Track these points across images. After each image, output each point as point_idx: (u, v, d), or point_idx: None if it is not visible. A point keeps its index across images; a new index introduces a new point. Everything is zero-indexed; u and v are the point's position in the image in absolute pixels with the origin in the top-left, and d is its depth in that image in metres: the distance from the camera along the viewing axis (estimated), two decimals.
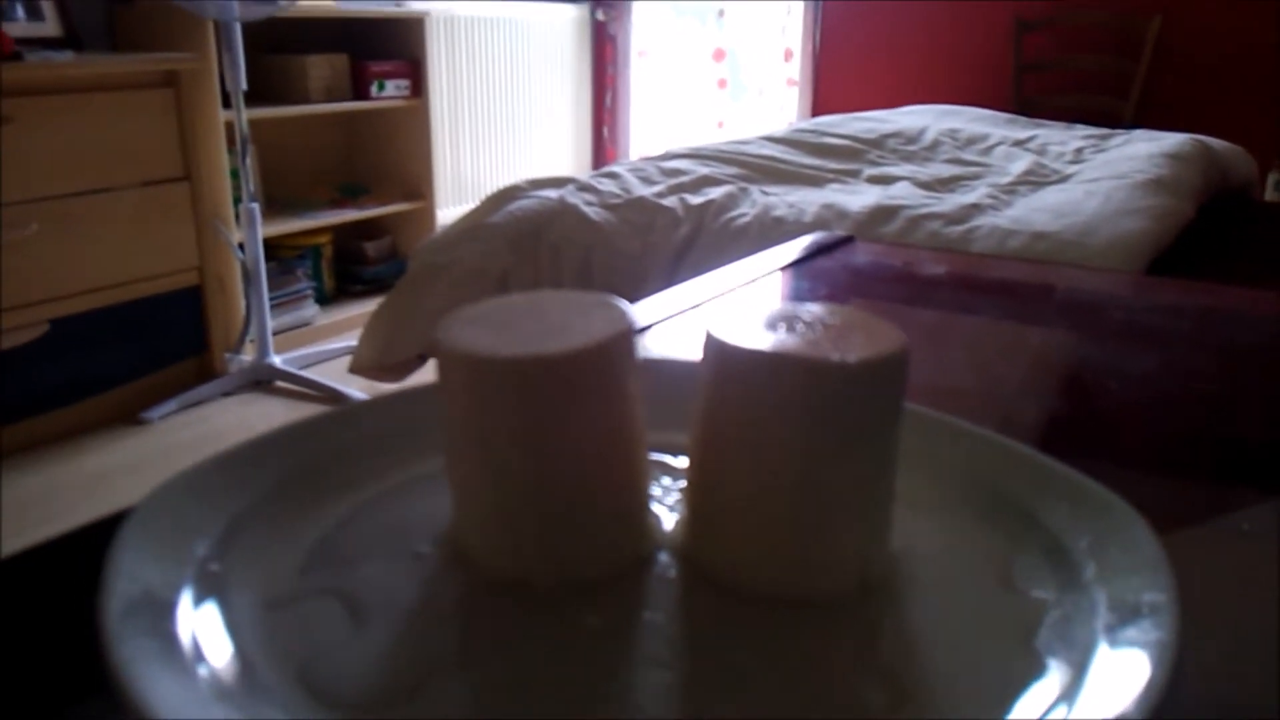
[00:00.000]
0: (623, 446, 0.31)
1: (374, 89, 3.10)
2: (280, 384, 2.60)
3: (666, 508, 0.35)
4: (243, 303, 2.64)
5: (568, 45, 4.08)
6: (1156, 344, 0.68)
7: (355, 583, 0.30)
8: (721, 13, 4.13)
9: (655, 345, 0.60)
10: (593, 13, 4.18)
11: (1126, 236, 1.59)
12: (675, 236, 1.73)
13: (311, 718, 0.24)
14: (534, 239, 1.75)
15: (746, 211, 1.75)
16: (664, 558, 0.32)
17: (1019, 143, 2.43)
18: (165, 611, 0.26)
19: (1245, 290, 0.80)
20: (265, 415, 2.47)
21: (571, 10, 4.08)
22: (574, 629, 0.28)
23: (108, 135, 2.29)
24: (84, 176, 2.26)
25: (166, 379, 2.51)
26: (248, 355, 2.63)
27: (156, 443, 2.30)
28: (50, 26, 2.44)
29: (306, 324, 2.96)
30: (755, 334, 0.30)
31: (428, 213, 3.32)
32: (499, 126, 3.82)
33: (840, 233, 0.93)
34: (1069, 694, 0.25)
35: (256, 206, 2.53)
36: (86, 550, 0.35)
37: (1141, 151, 2.17)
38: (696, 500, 0.32)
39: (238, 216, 2.57)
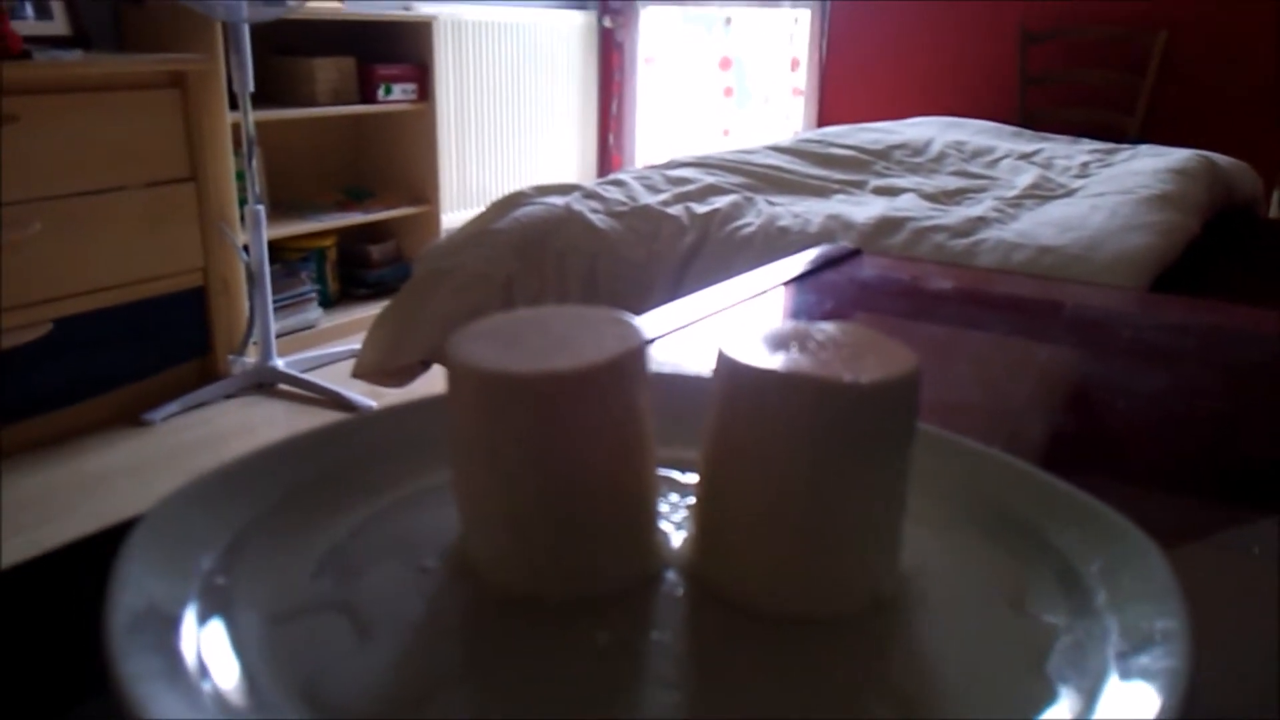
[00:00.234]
0: (632, 464, 0.31)
1: (381, 92, 3.10)
2: (283, 387, 2.60)
3: (674, 525, 0.34)
4: (246, 305, 2.64)
5: (574, 51, 4.09)
6: (1163, 362, 0.68)
7: (361, 596, 0.30)
8: (729, 21, 4.13)
9: (663, 358, 0.60)
10: (600, 19, 4.18)
11: (1132, 252, 1.58)
12: (680, 245, 1.73)
13: None
14: (539, 246, 1.75)
15: (752, 221, 1.75)
16: (671, 575, 0.32)
17: (1025, 156, 2.43)
18: (170, 626, 0.26)
19: (1252, 309, 0.79)
20: (268, 418, 2.47)
21: (579, 16, 4.09)
22: (581, 645, 0.28)
23: (114, 135, 2.29)
24: (90, 176, 2.26)
25: (169, 380, 2.51)
26: (251, 358, 2.63)
27: (158, 444, 2.30)
28: (59, 25, 2.44)
29: (310, 327, 2.96)
30: (767, 353, 0.30)
31: (433, 217, 3.32)
32: (505, 131, 3.82)
33: (846, 244, 0.93)
34: None
35: (262, 208, 2.54)
36: (91, 558, 0.35)
37: (1147, 167, 2.17)
38: (706, 518, 0.32)
39: (243, 218, 2.57)
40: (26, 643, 0.32)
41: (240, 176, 2.56)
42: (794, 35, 3.97)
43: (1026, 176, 2.19)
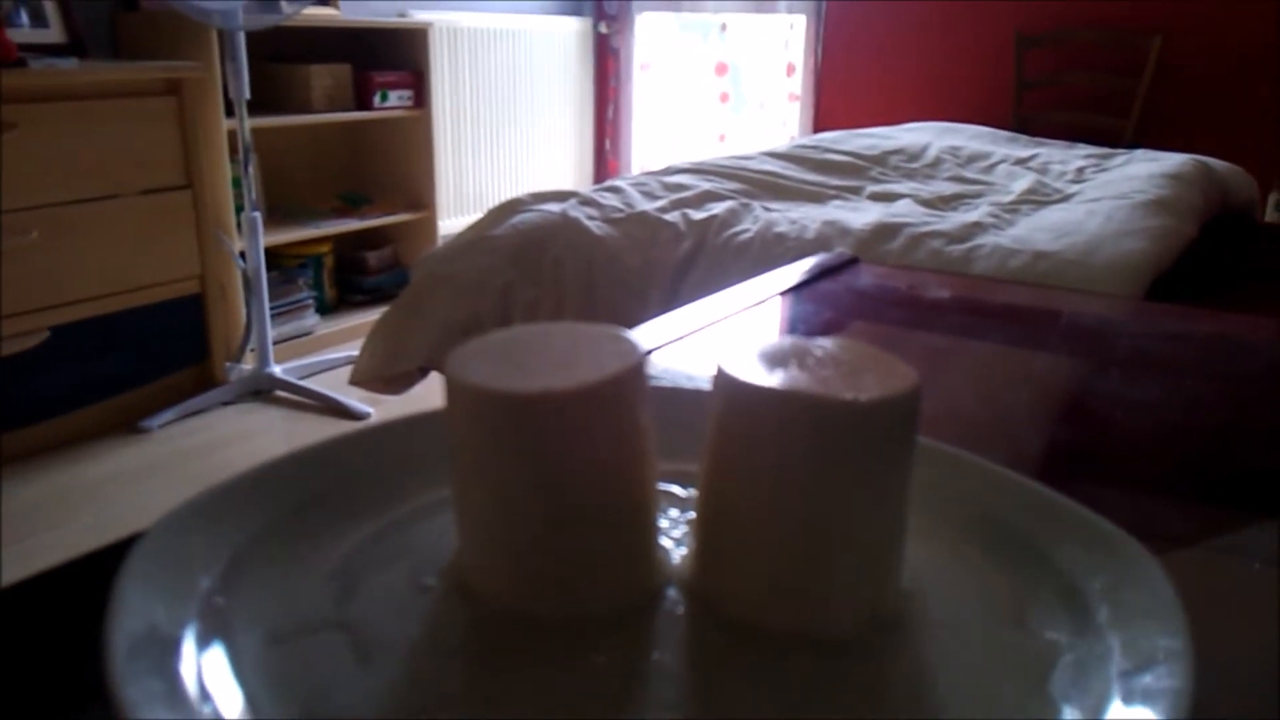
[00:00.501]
0: (632, 482, 0.31)
1: (377, 99, 3.10)
2: (280, 394, 2.60)
3: (674, 541, 0.34)
4: (243, 312, 2.64)
5: (570, 58, 4.09)
6: (1161, 371, 0.68)
7: (360, 616, 0.30)
8: (724, 26, 4.14)
9: (661, 368, 0.60)
10: (595, 25, 4.19)
11: (1128, 257, 1.59)
12: (677, 252, 1.73)
13: None
14: (537, 252, 1.75)
15: (749, 227, 1.76)
16: (672, 593, 0.32)
17: (1021, 161, 2.44)
18: (170, 649, 0.26)
19: (1248, 318, 0.79)
20: (265, 425, 2.47)
21: (574, 23, 4.09)
22: (580, 665, 0.28)
23: (110, 142, 2.29)
24: (86, 183, 2.26)
25: (166, 387, 2.50)
26: (248, 364, 2.63)
27: (156, 451, 2.30)
28: (54, 33, 2.44)
29: (307, 334, 2.95)
30: (766, 371, 0.30)
31: (429, 223, 3.32)
32: (501, 138, 3.82)
33: (845, 252, 0.93)
34: None
35: (258, 215, 2.53)
36: (91, 572, 0.34)
37: (1142, 171, 2.17)
38: (706, 536, 0.32)
39: (239, 225, 2.57)
40: (25, 656, 0.32)
41: (237, 183, 2.56)
42: (789, 41, 3.98)
43: (1022, 182, 2.19)
